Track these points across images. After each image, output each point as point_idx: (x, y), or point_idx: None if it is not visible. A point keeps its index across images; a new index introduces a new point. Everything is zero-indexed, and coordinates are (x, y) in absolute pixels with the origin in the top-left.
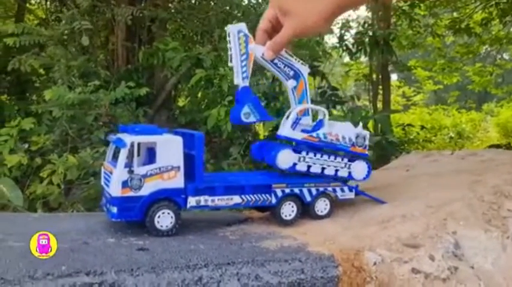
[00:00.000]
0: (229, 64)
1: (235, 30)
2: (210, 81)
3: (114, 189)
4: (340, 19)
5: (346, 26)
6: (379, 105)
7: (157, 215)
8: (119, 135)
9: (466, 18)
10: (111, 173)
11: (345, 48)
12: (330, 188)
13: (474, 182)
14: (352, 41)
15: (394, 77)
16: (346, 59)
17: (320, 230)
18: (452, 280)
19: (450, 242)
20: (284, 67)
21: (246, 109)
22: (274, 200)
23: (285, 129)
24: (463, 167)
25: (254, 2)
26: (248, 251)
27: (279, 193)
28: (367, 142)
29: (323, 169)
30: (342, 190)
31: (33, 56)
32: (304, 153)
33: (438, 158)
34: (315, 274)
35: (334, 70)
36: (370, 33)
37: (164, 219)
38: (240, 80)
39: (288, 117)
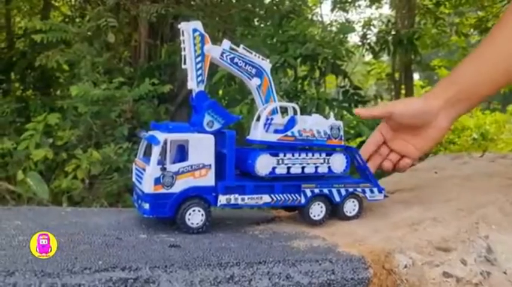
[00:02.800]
0: (183, 66)
1: (189, 28)
2: (232, 78)
3: (147, 186)
4: (362, 17)
5: (368, 24)
6: None
7: (188, 213)
8: (151, 132)
9: (492, 18)
10: (143, 169)
11: (368, 47)
12: (359, 189)
13: (506, 185)
14: (374, 39)
15: (415, 76)
16: (367, 58)
17: (349, 231)
18: (484, 285)
19: (482, 246)
20: (245, 65)
21: (207, 118)
22: (303, 200)
23: (258, 133)
24: (494, 170)
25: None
26: (279, 251)
27: (308, 193)
28: (341, 133)
29: (303, 168)
30: (372, 191)
31: (60, 52)
32: (281, 155)
33: (468, 161)
34: (346, 275)
35: (355, 69)
36: (394, 31)
37: (195, 216)
38: (194, 84)
39: (257, 119)
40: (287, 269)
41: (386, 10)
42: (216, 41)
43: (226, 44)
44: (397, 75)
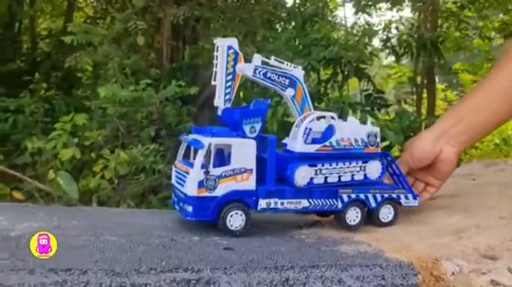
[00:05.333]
0: (212, 83)
1: (224, 45)
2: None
3: (190, 189)
4: (383, 20)
5: (388, 27)
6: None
7: (229, 216)
8: (193, 136)
9: None
10: (186, 172)
11: (391, 50)
12: (394, 195)
13: None
14: (395, 43)
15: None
16: (385, 61)
17: (393, 237)
18: None
19: None
20: (278, 78)
21: (246, 127)
22: (340, 205)
23: (298, 145)
24: None
25: (299, 2)
26: (328, 255)
27: (345, 198)
28: (378, 139)
29: (340, 177)
30: (406, 197)
31: (88, 54)
32: (320, 165)
33: (504, 168)
34: (395, 280)
35: (374, 72)
36: (417, 35)
37: (236, 220)
38: (221, 102)
39: (296, 127)
40: (339, 273)
41: (407, 13)
42: (238, 43)
43: (257, 59)
44: (418, 78)
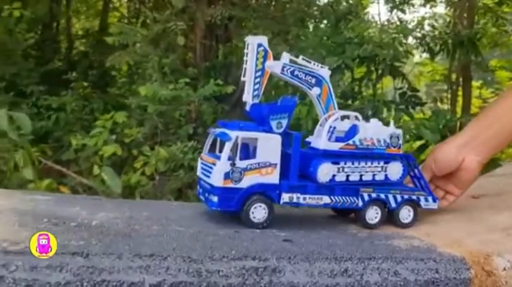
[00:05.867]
0: (242, 79)
1: (255, 43)
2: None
3: (216, 180)
4: (416, 16)
5: (421, 23)
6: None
7: (252, 208)
8: (220, 129)
9: None
10: (212, 164)
11: (426, 48)
12: (414, 197)
13: None
14: (429, 39)
15: None
16: (416, 58)
17: (443, 233)
18: None
19: None
20: (305, 77)
21: (273, 122)
22: (360, 203)
23: (322, 142)
24: None
25: (332, 0)
26: (383, 248)
27: (366, 197)
28: (401, 141)
29: (361, 176)
30: (426, 200)
31: (128, 53)
32: (342, 163)
33: None
34: (449, 274)
35: (407, 70)
36: (451, 31)
37: (258, 212)
38: (250, 97)
39: (320, 126)
40: (394, 266)
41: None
42: (270, 41)
43: (286, 57)
44: (453, 76)
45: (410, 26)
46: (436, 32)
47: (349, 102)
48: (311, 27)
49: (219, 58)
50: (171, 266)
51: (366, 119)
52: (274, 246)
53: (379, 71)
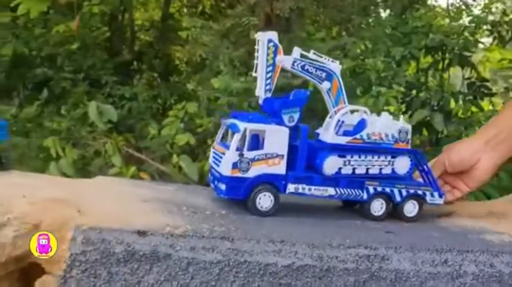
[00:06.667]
0: (253, 74)
1: (265, 39)
2: (354, 71)
3: (225, 169)
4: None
5: (488, 7)
6: None
7: (259, 197)
8: (232, 120)
9: None
10: (222, 153)
11: (496, 35)
12: (420, 192)
13: None
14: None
15: None
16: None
17: None
18: None
19: None
20: (316, 71)
21: (285, 116)
22: (365, 196)
23: (329, 136)
24: None
25: None
26: (478, 242)
27: (371, 190)
28: (409, 136)
29: (367, 169)
30: (432, 195)
31: (201, 46)
32: (348, 156)
33: None
34: None
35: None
36: None
37: (265, 200)
38: (262, 92)
39: (329, 119)
40: (491, 258)
41: None
42: (330, 32)
43: (296, 52)
44: None
45: (476, 10)
46: (507, 19)
47: (413, 92)
48: (374, 16)
49: None
50: (299, 251)
51: (433, 111)
52: (380, 237)
53: (446, 61)
